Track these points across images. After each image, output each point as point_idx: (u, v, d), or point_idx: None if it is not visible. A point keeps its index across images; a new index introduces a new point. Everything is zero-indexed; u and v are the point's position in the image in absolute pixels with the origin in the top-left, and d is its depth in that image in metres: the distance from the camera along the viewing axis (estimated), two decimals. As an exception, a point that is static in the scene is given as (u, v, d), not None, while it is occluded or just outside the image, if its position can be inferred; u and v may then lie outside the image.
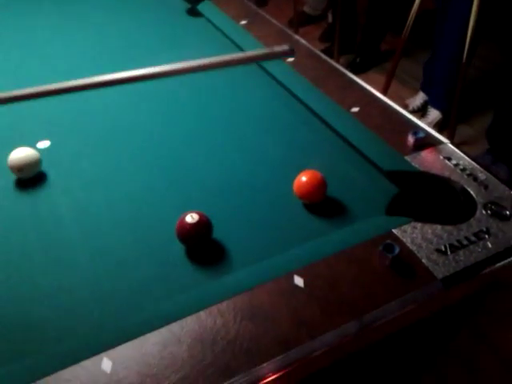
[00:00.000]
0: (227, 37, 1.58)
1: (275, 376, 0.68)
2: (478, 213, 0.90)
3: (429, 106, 2.60)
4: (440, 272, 0.80)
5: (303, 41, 1.50)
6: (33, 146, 1.12)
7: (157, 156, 1.14)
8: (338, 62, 2.64)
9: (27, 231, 0.96)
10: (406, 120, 1.15)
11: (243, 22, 1.62)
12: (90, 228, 0.97)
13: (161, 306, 0.78)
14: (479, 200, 0.92)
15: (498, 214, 0.89)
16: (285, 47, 0.95)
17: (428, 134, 1.08)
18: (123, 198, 1.03)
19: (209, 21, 1.70)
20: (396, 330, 0.77)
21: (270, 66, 1.39)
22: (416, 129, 1.08)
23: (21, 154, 1.06)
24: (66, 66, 1.51)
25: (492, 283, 0.86)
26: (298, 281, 0.79)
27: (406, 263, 0.81)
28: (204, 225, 0.91)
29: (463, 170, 1.00)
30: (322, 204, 0.99)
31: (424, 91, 2.66)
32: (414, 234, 0.86)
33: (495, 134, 2.25)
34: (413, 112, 2.55)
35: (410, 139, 1.05)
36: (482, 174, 0.98)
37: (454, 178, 0.98)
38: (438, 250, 0.83)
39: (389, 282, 0.78)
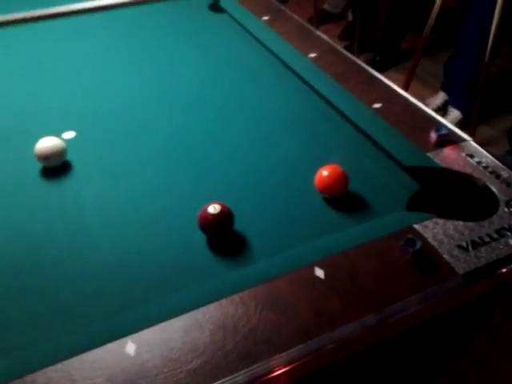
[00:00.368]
0: (249, 32, 1.59)
1: (295, 365, 0.69)
2: (500, 210, 0.90)
3: (449, 106, 2.58)
4: (461, 268, 0.80)
5: (325, 37, 1.51)
6: (58, 136, 1.15)
7: (179, 149, 1.16)
8: (357, 59, 2.63)
9: (52, 219, 0.98)
10: (428, 117, 1.15)
11: (265, 18, 1.63)
12: (113, 217, 0.98)
13: (183, 293, 0.80)
14: (501, 197, 0.92)
15: (520, 212, 0.89)
16: None
17: (450, 132, 1.08)
18: (146, 189, 1.05)
19: (231, 16, 1.71)
20: (415, 325, 0.77)
21: (292, 61, 1.39)
22: (438, 126, 1.08)
23: (47, 143, 1.08)
24: (88, 60, 1.54)
25: (510, 282, 0.85)
26: (319, 272, 0.80)
27: (427, 258, 0.81)
28: (226, 216, 0.92)
29: (486, 167, 0.99)
30: (343, 198, 1.00)
31: (444, 91, 2.64)
32: (435, 230, 0.86)
33: (517, 134, 2.23)
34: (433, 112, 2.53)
35: (433, 136, 1.05)
36: (505, 172, 0.98)
37: (477, 175, 0.98)
38: (460, 246, 0.83)
39: (409, 276, 0.79)
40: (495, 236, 0.85)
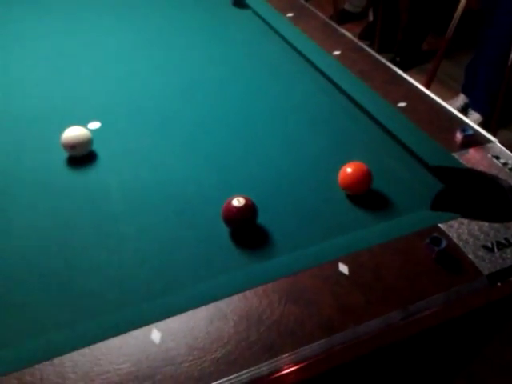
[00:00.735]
0: (273, 29, 1.60)
1: (319, 358, 0.69)
2: (526, 212, 0.89)
3: (469, 109, 2.56)
4: (486, 268, 0.79)
5: (349, 34, 1.50)
6: (84, 126, 1.16)
7: (202, 141, 1.17)
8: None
9: (78, 207, 1.00)
10: (453, 117, 1.14)
11: (289, 15, 1.63)
12: (138, 207, 0.99)
13: (207, 283, 0.80)
14: (528, 200, 0.91)
15: (547, 215, 0.88)
16: None
17: (476, 132, 1.07)
18: (170, 180, 1.06)
19: (255, 12, 1.71)
20: (439, 323, 0.77)
21: (316, 58, 1.39)
22: (464, 126, 1.07)
23: (74, 132, 1.09)
24: (115, 53, 1.55)
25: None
26: (343, 268, 0.80)
27: (451, 257, 0.81)
28: (250, 209, 0.92)
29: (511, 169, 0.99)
30: (366, 196, 1.00)
31: (465, 93, 2.62)
32: (460, 230, 0.86)
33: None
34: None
35: (459, 136, 1.05)
36: (531, 174, 0.97)
37: (502, 176, 0.97)
38: (485, 247, 0.83)
39: (434, 274, 0.79)
40: (521, 238, 0.84)
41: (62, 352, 0.69)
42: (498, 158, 1.02)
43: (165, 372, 0.67)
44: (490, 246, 0.83)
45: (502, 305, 0.89)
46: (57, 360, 0.69)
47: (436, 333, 0.83)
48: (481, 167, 0.99)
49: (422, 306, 0.75)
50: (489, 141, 1.07)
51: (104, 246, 0.91)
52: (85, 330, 0.73)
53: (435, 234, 0.82)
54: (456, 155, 1.02)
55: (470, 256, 0.81)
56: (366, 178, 0.98)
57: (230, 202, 0.92)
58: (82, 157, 1.11)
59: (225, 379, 0.66)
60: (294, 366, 0.69)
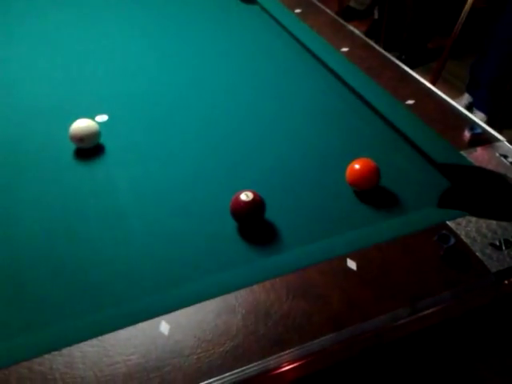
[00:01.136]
0: (281, 24, 1.60)
1: (327, 352, 0.70)
2: (534, 211, 0.89)
3: (474, 108, 2.55)
4: (494, 266, 0.79)
5: (358, 32, 1.50)
6: (92, 118, 1.16)
7: (211, 136, 1.17)
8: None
9: (86, 199, 1.00)
10: (461, 116, 1.14)
11: (297, 11, 1.63)
12: (145, 200, 1.00)
13: (215, 277, 0.81)
14: (536, 199, 0.91)
15: (555, 214, 0.88)
16: None
17: (484, 131, 1.07)
18: (177, 174, 1.06)
19: (263, 8, 1.71)
20: (446, 320, 0.77)
21: (324, 54, 1.39)
22: (472, 125, 1.07)
23: (82, 124, 1.09)
24: (123, 46, 1.56)
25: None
26: (351, 264, 0.80)
27: (459, 255, 0.81)
28: (258, 204, 0.92)
29: (520, 168, 0.99)
30: (373, 193, 1.00)
31: (469, 93, 2.61)
32: (468, 228, 0.86)
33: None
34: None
35: (467, 134, 1.05)
36: (540, 174, 0.97)
37: (510, 175, 0.97)
38: (493, 245, 0.83)
39: (442, 272, 0.79)
40: (529, 236, 0.84)
41: (70, 343, 0.69)
42: (506, 156, 1.01)
43: (173, 364, 0.67)
44: (497, 244, 0.83)
45: (508, 303, 0.90)
46: (66, 350, 0.69)
47: (442, 330, 0.84)
48: (489, 166, 0.99)
49: (430, 302, 0.75)
50: (497, 139, 1.06)
51: (112, 238, 0.91)
52: (94, 321, 0.74)
53: (443, 231, 0.82)
54: (464, 153, 1.02)
55: (478, 254, 0.81)
56: (373, 175, 0.99)
57: (238, 197, 0.92)
58: (89, 149, 1.11)
59: (233, 372, 0.67)
60: (302, 359, 0.69)
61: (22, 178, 1.05)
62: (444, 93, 1.24)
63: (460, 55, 2.85)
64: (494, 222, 0.87)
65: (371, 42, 1.44)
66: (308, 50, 1.46)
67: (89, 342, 0.70)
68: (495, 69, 2.40)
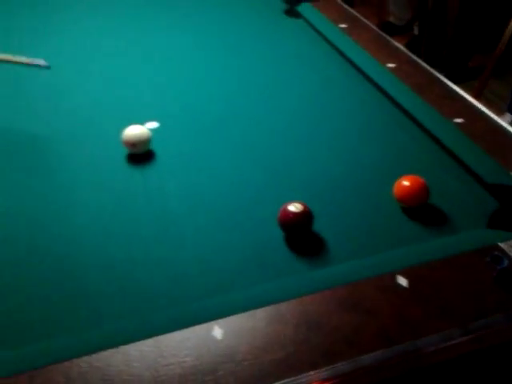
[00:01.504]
0: (326, 39, 1.61)
1: (378, 367, 0.70)
2: None
3: (514, 128, 2.52)
4: (548, 290, 0.78)
5: (403, 48, 1.51)
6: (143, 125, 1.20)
7: (258, 146, 1.19)
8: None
9: (137, 202, 1.03)
10: (510, 135, 1.13)
11: (342, 26, 1.64)
12: (194, 206, 1.02)
13: (266, 285, 0.82)
14: None
15: None
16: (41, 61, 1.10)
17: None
18: (225, 182, 1.08)
19: (307, 22, 1.73)
20: (499, 343, 0.76)
21: (370, 69, 1.40)
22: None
23: (135, 130, 1.13)
24: (175, 55, 1.60)
25: None
26: (402, 281, 0.80)
27: (512, 277, 0.80)
28: (306, 215, 0.93)
29: None
30: (421, 210, 1.00)
31: (511, 113, 2.58)
32: (520, 250, 0.85)
33: None
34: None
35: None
36: None
37: None
38: (546, 269, 0.82)
39: (495, 293, 0.78)
40: None
41: (127, 341, 0.71)
42: (557, 179, 1.00)
43: (226, 368, 0.69)
44: (551, 268, 0.82)
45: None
46: (122, 349, 0.71)
47: (494, 353, 0.83)
48: (540, 188, 0.98)
49: (483, 324, 0.74)
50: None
51: (163, 242, 0.93)
52: (149, 322, 0.76)
53: (496, 253, 0.82)
54: (514, 174, 1.01)
55: (531, 277, 0.80)
56: (422, 192, 0.99)
57: (287, 208, 0.94)
58: (140, 155, 1.14)
59: (284, 381, 0.67)
60: (352, 373, 0.69)
61: (77, 180, 1.09)
62: (485, 112, 1.23)
63: (502, 74, 2.82)
64: (547, 246, 0.86)
65: (417, 59, 1.45)
66: (353, 65, 1.47)
67: (145, 342, 0.72)
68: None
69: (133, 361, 0.70)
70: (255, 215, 1.00)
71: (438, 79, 1.36)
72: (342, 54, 1.53)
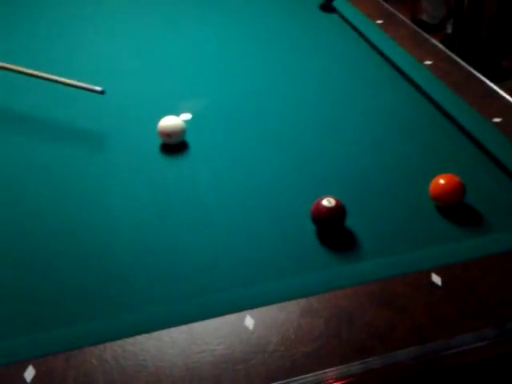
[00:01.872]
0: (361, 34, 1.60)
1: (409, 364, 0.69)
2: None
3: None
4: None
5: (441, 45, 1.48)
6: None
7: (293, 140, 1.19)
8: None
9: (171, 192, 1.04)
10: (551, 137, 1.10)
11: (379, 22, 1.62)
12: (227, 197, 1.03)
13: (298, 278, 0.82)
14: None
15: None
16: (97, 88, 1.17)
17: None
18: (257, 174, 1.09)
19: (342, 17, 1.72)
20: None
21: (406, 66, 1.38)
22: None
23: (170, 121, 1.14)
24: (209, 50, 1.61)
25: None
26: (436, 279, 0.79)
27: (551, 280, 0.78)
28: (339, 210, 0.93)
29: None
30: (456, 209, 0.98)
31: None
32: (560, 253, 0.83)
33: None
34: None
35: None
36: None
37: None
38: None
39: (532, 295, 0.76)
40: None
41: (160, 327, 0.72)
42: None
43: (257, 358, 0.69)
44: None
45: None
46: (156, 334, 0.72)
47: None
48: None
49: (519, 325, 0.73)
50: None
51: (196, 231, 0.94)
52: (182, 309, 0.77)
53: (535, 255, 0.80)
54: (555, 176, 0.99)
55: None
56: (458, 190, 0.97)
57: (320, 202, 0.93)
58: (175, 145, 1.16)
59: (316, 373, 0.67)
60: (384, 369, 0.69)
61: (114, 169, 1.11)
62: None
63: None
64: None
65: (456, 57, 1.42)
66: (389, 61, 1.45)
67: (178, 328, 0.73)
68: None
69: (166, 347, 0.71)
70: (288, 208, 1.00)
71: (476, 77, 1.33)
72: (377, 50, 1.51)
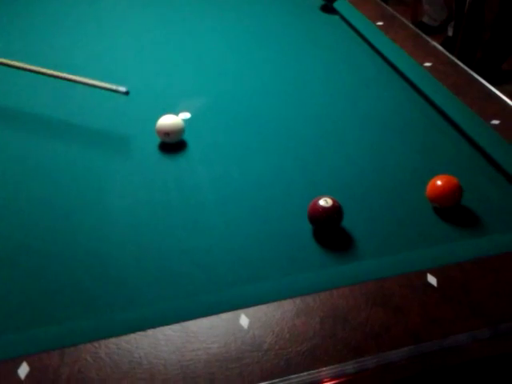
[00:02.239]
0: (361, 36, 1.60)
1: (404, 364, 0.69)
2: None
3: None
4: None
5: (440, 47, 1.48)
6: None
7: (289, 140, 1.19)
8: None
9: (168, 191, 1.04)
10: (549, 140, 1.10)
11: (379, 24, 1.63)
12: (225, 196, 1.03)
13: (294, 277, 0.82)
14: None
15: None
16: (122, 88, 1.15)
17: None
18: (255, 174, 1.09)
19: (343, 19, 1.72)
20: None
21: (406, 68, 1.38)
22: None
23: (169, 120, 1.14)
24: (208, 49, 1.61)
25: None
26: (431, 279, 0.79)
27: (547, 282, 0.78)
28: (336, 210, 0.93)
29: None
30: (453, 211, 0.98)
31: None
32: (556, 255, 0.83)
33: None
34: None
35: None
36: None
37: None
38: None
39: (528, 297, 0.76)
40: None
41: (155, 325, 0.72)
42: None
43: (252, 357, 0.69)
44: None
45: None
46: (150, 332, 0.72)
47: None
48: None
49: (513, 327, 0.73)
50: None
51: (193, 230, 0.94)
52: (176, 307, 0.77)
53: (531, 256, 0.80)
54: (552, 179, 0.99)
55: None
56: (455, 192, 0.97)
57: (317, 202, 0.93)
58: (173, 144, 1.16)
59: (310, 372, 0.67)
60: (379, 368, 0.69)
61: (111, 167, 1.11)
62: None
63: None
64: None
65: (455, 59, 1.42)
66: (389, 63, 1.45)
67: (172, 326, 0.73)
68: None
69: (160, 345, 0.71)
70: (285, 208, 1.00)
71: (476, 80, 1.33)
72: (377, 51, 1.51)
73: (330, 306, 0.76)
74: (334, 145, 1.17)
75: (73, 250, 0.91)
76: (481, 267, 0.81)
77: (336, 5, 1.78)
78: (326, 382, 0.67)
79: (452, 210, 0.98)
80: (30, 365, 0.68)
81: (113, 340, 0.71)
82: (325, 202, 0.93)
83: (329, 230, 0.94)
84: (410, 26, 1.63)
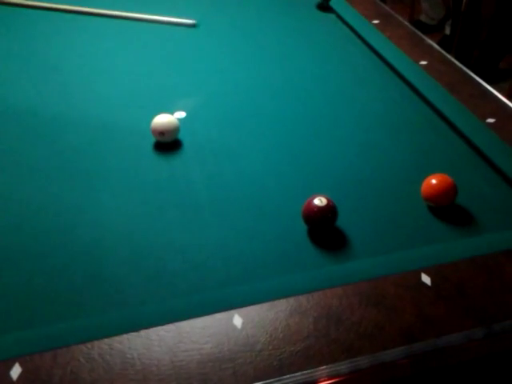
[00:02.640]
0: (358, 34, 1.60)
1: (397, 364, 0.69)
2: None
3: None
4: None
5: (436, 46, 1.48)
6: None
7: (284, 139, 1.19)
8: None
9: (163, 190, 1.04)
10: (545, 138, 1.10)
11: (375, 22, 1.62)
12: (219, 195, 1.03)
13: (288, 277, 0.82)
14: None
15: None
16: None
17: None
18: (250, 173, 1.08)
19: (339, 17, 1.72)
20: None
21: (402, 66, 1.38)
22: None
23: (164, 119, 1.14)
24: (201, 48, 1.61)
25: None
26: (425, 279, 0.79)
27: (541, 281, 0.78)
28: (330, 209, 0.93)
29: None
30: (448, 209, 0.98)
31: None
32: (550, 254, 0.83)
33: None
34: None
35: None
36: None
37: None
38: None
39: (521, 296, 0.76)
40: None
41: (148, 325, 0.72)
42: None
43: (245, 357, 0.69)
44: None
45: None
46: (143, 332, 0.72)
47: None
48: None
49: (508, 325, 0.73)
50: None
51: (187, 229, 0.94)
52: (170, 308, 0.76)
53: (525, 255, 0.80)
54: (547, 177, 0.99)
55: (561, 282, 0.78)
56: (450, 191, 0.97)
57: (311, 201, 0.93)
58: (168, 143, 1.15)
59: (303, 372, 0.67)
60: (372, 369, 0.69)
61: (106, 166, 1.10)
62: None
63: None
64: None
65: (451, 57, 1.42)
66: (384, 61, 1.45)
67: (165, 327, 0.72)
68: None
69: (153, 345, 0.70)
70: (280, 207, 0.99)
71: (471, 78, 1.33)
72: (373, 50, 1.51)
73: (323, 306, 0.75)
74: (329, 144, 1.17)
75: (65, 249, 0.91)
76: (475, 266, 0.81)
77: (332, 3, 1.78)
78: (320, 382, 0.67)
79: (447, 209, 0.98)
80: (22, 366, 0.68)
81: (106, 340, 0.71)
82: (319, 201, 0.93)
83: (323, 230, 0.94)
84: (406, 24, 1.62)
